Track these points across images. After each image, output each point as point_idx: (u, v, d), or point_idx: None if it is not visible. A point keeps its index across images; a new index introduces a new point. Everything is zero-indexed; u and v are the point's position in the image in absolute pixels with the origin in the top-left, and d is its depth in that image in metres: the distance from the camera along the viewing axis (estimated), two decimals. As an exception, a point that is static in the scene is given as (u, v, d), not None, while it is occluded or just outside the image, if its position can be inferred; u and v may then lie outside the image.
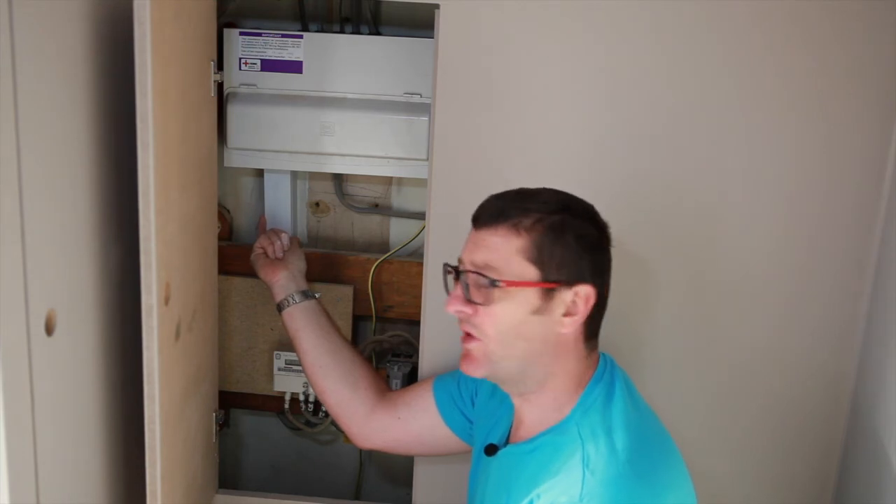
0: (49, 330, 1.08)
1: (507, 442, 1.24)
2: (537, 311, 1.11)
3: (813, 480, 1.58)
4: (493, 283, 1.10)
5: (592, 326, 1.16)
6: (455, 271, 1.16)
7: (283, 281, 1.50)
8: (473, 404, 1.38)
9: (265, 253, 1.56)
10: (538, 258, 1.10)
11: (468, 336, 1.15)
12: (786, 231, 1.48)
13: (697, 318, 1.53)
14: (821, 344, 1.52)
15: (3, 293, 0.97)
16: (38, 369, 1.06)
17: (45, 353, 1.07)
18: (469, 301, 1.13)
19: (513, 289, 1.10)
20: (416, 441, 1.44)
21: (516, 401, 1.21)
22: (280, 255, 1.56)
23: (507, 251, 1.11)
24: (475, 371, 1.16)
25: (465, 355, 1.16)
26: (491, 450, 1.24)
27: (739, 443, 1.58)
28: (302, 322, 1.48)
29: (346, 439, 1.93)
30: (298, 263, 1.56)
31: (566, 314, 1.12)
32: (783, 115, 1.43)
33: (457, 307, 1.13)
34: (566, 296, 1.12)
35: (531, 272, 1.10)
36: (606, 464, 1.08)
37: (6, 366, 0.98)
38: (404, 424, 1.43)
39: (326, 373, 1.46)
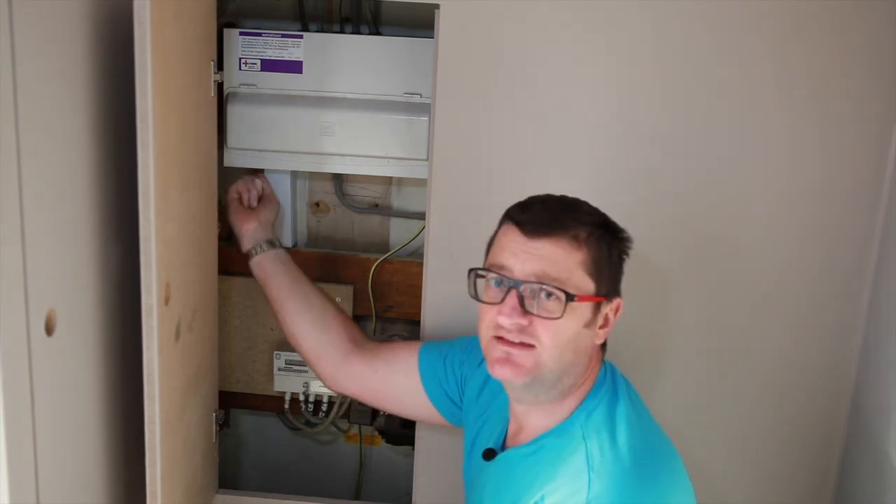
0: (49, 330, 1.08)
1: (503, 445, 1.24)
2: (587, 324, 1.11)
3: (813, 480, 1.58)
4: (570, 298, 1.08)
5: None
6: (504, 279, 1.10)
7: (252, 231, 1.53)
8: (461, 390, 1.37)
9: (240, 199, 1.59)
10: (595, 272, 1.10)
11: (512, 343, 1.10)
12: (785, 231, 1.48)
13: (697, 318, 1.53)
14: (821, 343, 1.52)
15: (3, 293, 0.97)
16: (38, 369, 1.06)
17: (45, 353, 1.07)
18: (525, 312, 1.09)
19: (583, 301, 1.09)
20: (393, 398, 1.44)
21: (520, 407, 1.19)
22: (254, 204, 1.59)
23: (569, 264, 1.09)
24: (518, 378, 1.11)
25: (507, 360, 1.11)
26: (489, 454, 1.23)
27: (739, 442, 1.58)
28: (270, 269, 1.50)
29: (347, 439, 1.94)
30: (269, 214, 1.59)
31: (601, 326, 1.13)
32: (782, 115, 1.43)
33: (516, 319, 1.08)
34: (606, 308, 1.13)
35: (590, 285, 1.10)
36: (611, 466, 1.08)
37: (6, 366, 0.98)
38: (381, 379, 1.42)
39: (296, 317, 1.47)
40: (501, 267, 1.11)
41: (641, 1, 1.39)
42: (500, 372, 1.12)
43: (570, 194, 1.18)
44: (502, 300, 1.10)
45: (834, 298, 1.50)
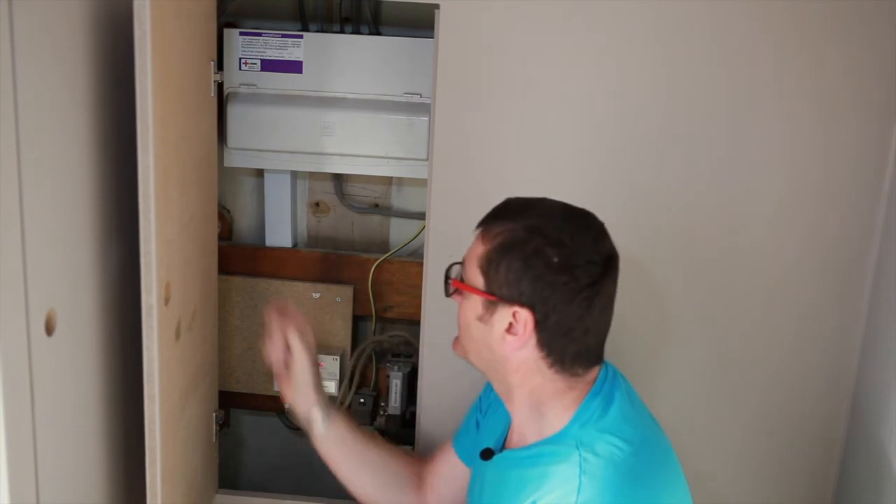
0: (49, 330, 1.08)
1: (503, 447, 1.24)
2: (480, 319, 1.14)
3: (813, 481, 1.58)
4: (447, 279, 1.18)
5: (558, 351, 1.12)
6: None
7: (294, 404, 1.38)
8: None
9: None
10: (486, 269, 1.12)
11: None
12: (785, 232, 1.48)
13: (697, 321, 1.53)
14: (821, 344, 1.52)
15: (3, 293, 0.97)
16: (38, 369, 1.06)
17: (45, 353, 1.07)
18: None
19: (464, 290, 1.15)
20: (458, 499, 1.41)
21: (515, 417, 1.21)
22: (282, 367, 1.38)
23: (472, 255, 1.15)
24: (457, 351, 1.22)
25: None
26: (487, 454, 1.24)
27: (739, 443, 1.58)
28: (322, 450, 1.42)
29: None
30: (299, 375, 1.37)
31: (508, 331, 1.12)
32: (782, 115, 1.43)
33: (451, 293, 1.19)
34: (505, 313, 1.11)
35: (480, 280, 1.13)
36: (604, 469, 1.08)
37: (6, 366, 0.98)
38: (445, 492, 1.41)
39: (367, 487, 1.43)
40: None
41: (642, 1, 1.39)
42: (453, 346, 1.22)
43: (569, 195, 1.17)
44: None
45: (834, 300, 1.50)
